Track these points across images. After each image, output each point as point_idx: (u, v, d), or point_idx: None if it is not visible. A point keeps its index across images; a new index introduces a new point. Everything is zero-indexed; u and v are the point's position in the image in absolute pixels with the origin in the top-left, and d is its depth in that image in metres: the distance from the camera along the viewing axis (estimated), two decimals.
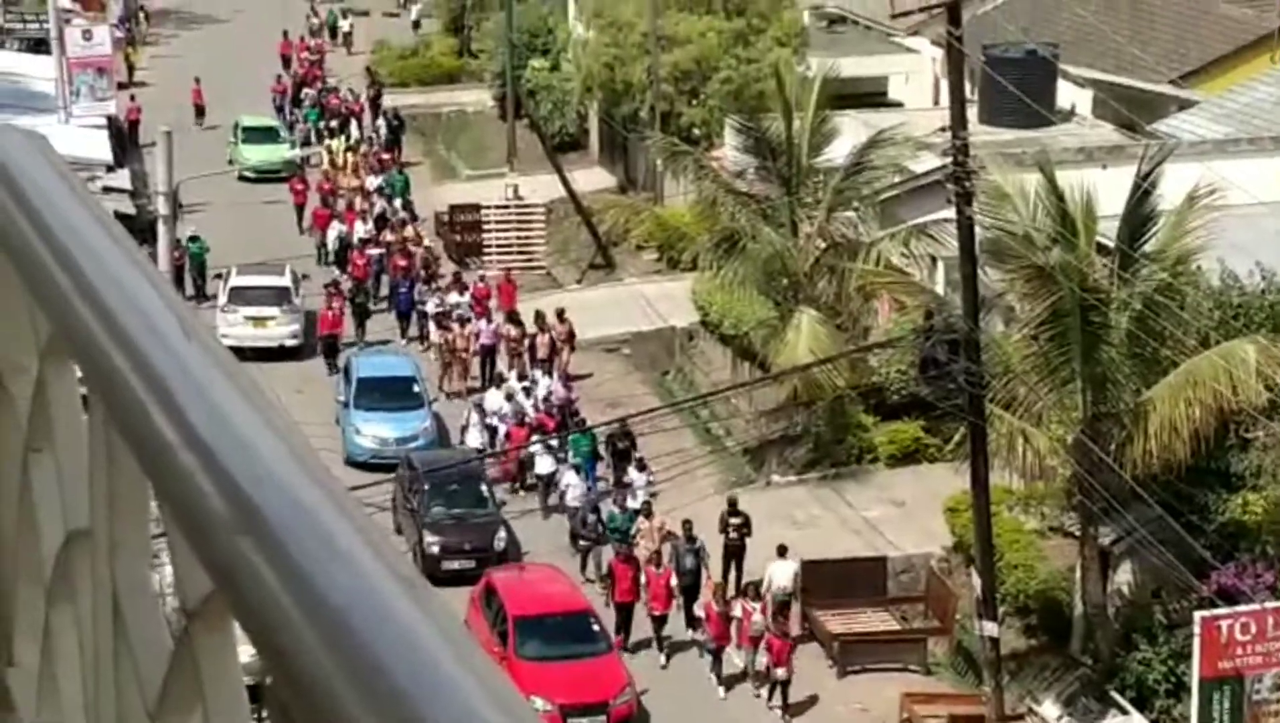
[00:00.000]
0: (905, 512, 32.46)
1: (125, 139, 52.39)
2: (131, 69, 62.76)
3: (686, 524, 30.39)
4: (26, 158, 2.09)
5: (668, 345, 40.57)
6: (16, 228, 1.95)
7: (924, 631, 29.93)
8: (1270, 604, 23.00)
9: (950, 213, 28.46)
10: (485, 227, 47.24)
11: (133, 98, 57.21)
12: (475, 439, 35.48)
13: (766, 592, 29.34)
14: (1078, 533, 28.15)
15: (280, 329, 40.94)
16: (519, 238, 47.38)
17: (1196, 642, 22.88)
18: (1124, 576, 28.48)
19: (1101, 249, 27.48)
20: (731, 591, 29.79)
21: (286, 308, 41.30)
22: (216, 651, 1.50)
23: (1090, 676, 27.51)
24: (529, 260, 46.85)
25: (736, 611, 28.71)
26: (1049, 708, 27.46)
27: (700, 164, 37.39)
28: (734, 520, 30.64)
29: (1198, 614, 23.20)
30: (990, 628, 27.55)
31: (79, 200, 1.98)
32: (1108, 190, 27.60)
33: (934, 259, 34.51)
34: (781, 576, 29.71)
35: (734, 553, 30.60)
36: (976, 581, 27.86)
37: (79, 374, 1.95)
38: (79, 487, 1.88)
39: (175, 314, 1.67)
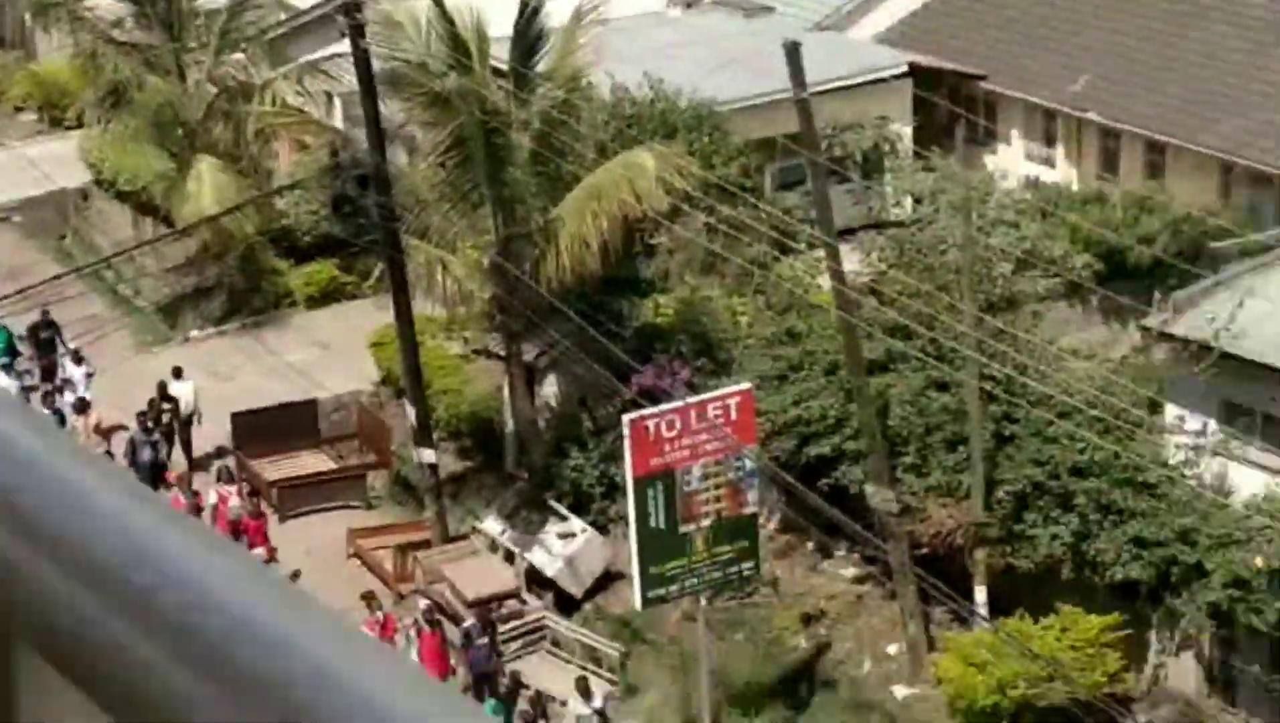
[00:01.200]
0: (330, 352, 32.42)
1: None
2: None
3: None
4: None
5: (61, 208, 38.97)
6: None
7: (362, 466, 30.13)
8: (691, 399, 24.02)
9: (342, 47, 28.22)
10: None
11: None
12: None
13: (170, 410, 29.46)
14: (502, 353, 28.75)
15: None
16: None
17: (627, 443, 23.68)
18: (550, 388, 29.29)
19: (497, 72, 27.80)
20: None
21: None
22: None
23: (526, 488, 28.30)
24: None
25: (212, 496, 27.96)
26: (491, 524, 28.13)
27: (75, 15, 35.82)
28: (166, 405, 29.93)
29: (625, 417, 24.02)
30: (427, 455, 27.96)
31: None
32: (496, 12, 27.86)
33: (330, 96, 34.21)
34: (184, 393, 29.83)
35: (169, 436, 29.92)
36: (409, 411, 28.17)
37: None
38: None
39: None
